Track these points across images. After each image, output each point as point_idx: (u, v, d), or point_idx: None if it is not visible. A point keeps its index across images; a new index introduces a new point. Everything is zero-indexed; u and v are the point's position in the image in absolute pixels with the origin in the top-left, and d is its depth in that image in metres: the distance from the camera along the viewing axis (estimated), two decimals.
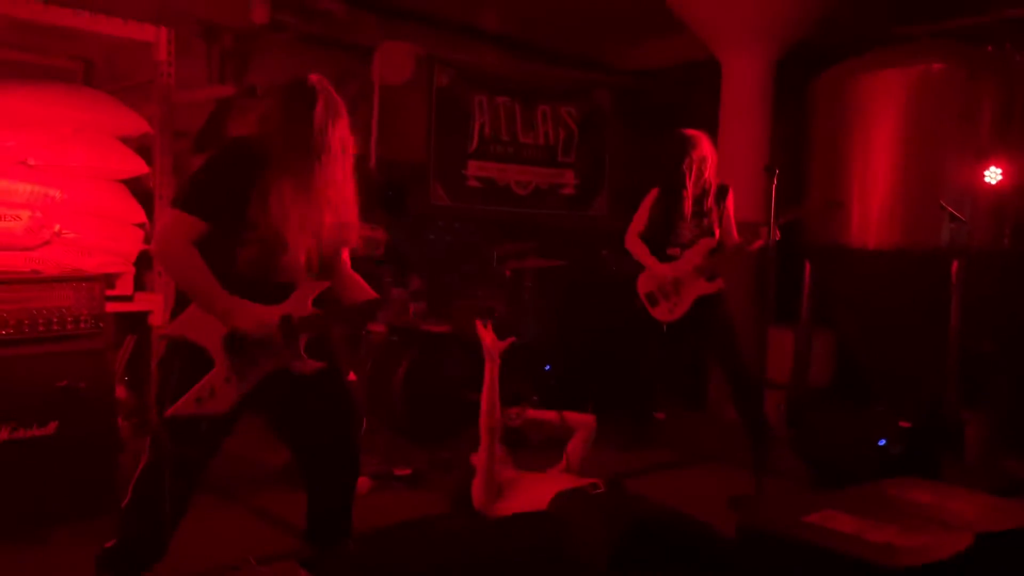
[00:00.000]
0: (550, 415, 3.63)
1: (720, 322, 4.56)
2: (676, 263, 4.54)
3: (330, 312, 2.64)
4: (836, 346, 5.61)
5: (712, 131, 5.79)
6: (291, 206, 2.43)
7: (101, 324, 3.48)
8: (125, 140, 4.06)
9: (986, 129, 4.99)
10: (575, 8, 6.76)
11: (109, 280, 3.74)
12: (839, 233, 5.35)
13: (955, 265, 4.49)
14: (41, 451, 3.25)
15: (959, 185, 4.93)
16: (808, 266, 5.40)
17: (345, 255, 2.75)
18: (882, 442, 4.01)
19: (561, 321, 6.10)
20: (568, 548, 2.83)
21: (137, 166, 4.04)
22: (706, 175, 4.49)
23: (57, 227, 3.76)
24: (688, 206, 4.51)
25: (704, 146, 4.50)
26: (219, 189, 2.44)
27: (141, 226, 4.05)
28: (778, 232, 4.02)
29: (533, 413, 3.66)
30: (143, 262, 4.14)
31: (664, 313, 4.58)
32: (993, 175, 4.76)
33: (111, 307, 3.63)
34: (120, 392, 3.98)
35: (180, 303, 2.49)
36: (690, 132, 4.54)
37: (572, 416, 3.58)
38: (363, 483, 3.94)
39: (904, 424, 4.03)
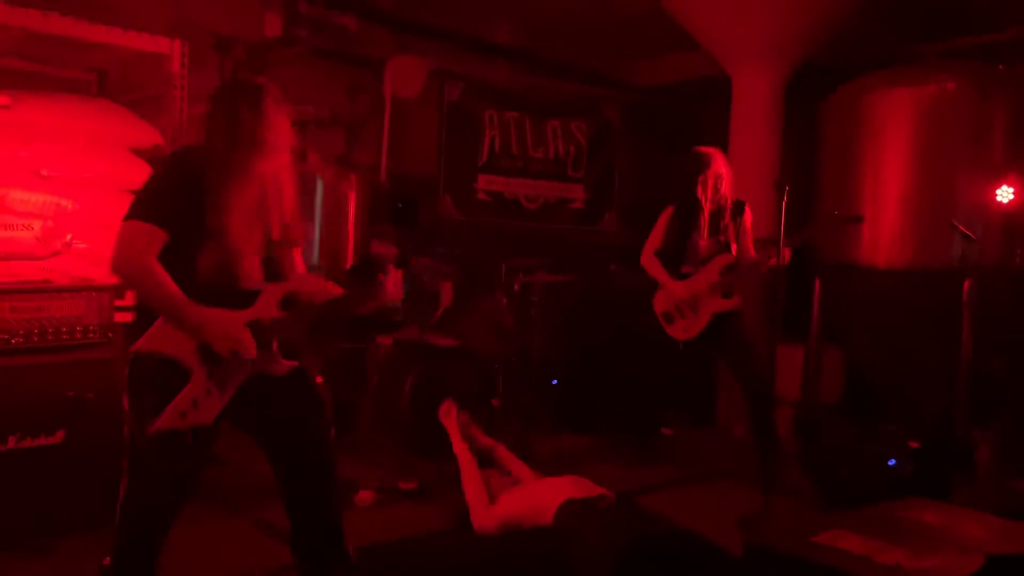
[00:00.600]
0: (488, 441, 3.72)
1: (738, 338, 4.51)
2: (691, 281, 4.50)
3: (298, 313, 2.61)
4: (846, 364, 5.58)
5: (722, 147, 5.79)
6: (237, 208, 2.42)
7: (110, 334, 3.49)
8: (137, 151, 4.08)
9: (998, 147, 4.98)
10: (586, 23, 6.79)
11: (119, 290, 3.75)
12: (850, 251, 5.33)
13: (966, 284, 4.47)
14: (48, 460, 3.26)
15: (971, 204, 4.91)
16: (818, 283, 5.38)
17: (299, 262, 2.74)
18: (892, 462, 3.98)
19: (569, 336, 6.09)
20: (573, 563, 2.82)
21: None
22: (722, 192, 4.47)
23: (68, 237, 3.78)
24: (704, 223, 4.50)
25: (719, 163, 4.48)
26: (171, 196, 2.40)
27: None
28: (789, 253, 4.00)
29: (475, 431, 3.74)
30: None
31: (679, 331, 4.54)
32: (1005, 194, 4.74)
33: (120, 317, 3.64)
34: (127, 403, 3.98)
35: (145, 318, 2.43)
36: (705, 149, 4.53)
37: (504, 455, 3.66)
38: (368, 496, 3.95)
39: (914, 443, 4.00)
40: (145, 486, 2.45)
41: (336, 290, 2.70)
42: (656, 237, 4.64)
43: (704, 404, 5.98)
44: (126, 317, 3.86)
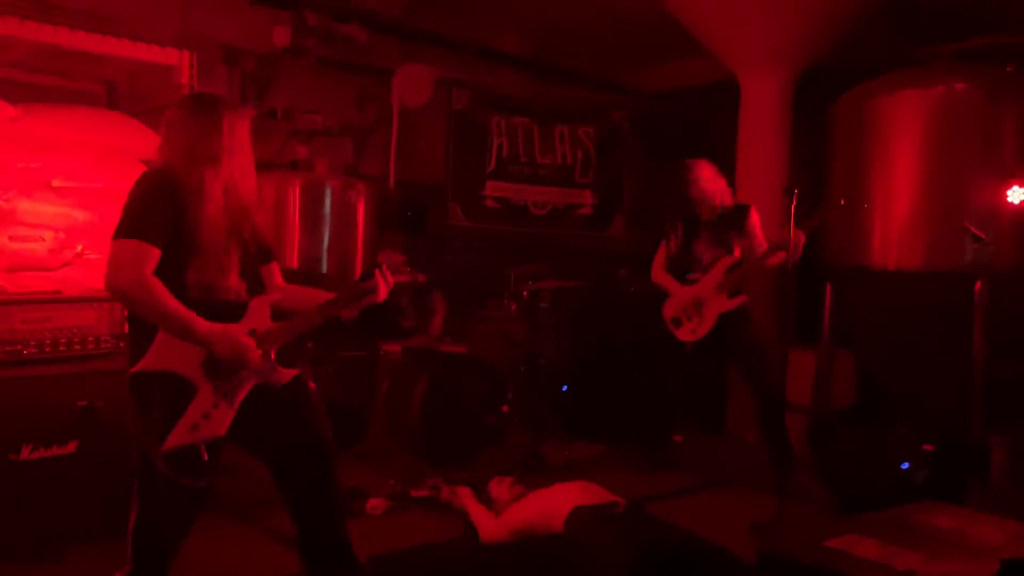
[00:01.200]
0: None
1: (745, 340, 4.56)
2: (696, 285, 4.60)
3: (289, 322, 2.63)
4: (858, 368, 5.54)
5: (730, 152, 5.79)
6: (210, 222, 2.43)
7: (122, 344, 3.50)
8: (147, 162, 4.10)
9: (1009, 148, 4.95)
10: (593, 30, 6.80)
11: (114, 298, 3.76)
12: (860, 254, 5.30)
13: (978, 286, 4.44)
14: (61, 470, 3.27)
15: (982, 205, 4.87)
16: (829, 287, 5.35)
17: (276, 272, 2.76)
18: (905, 466, 3.95)
19: (579, 342, 6.07)
20: (585, 570, 2.81)
21: None
22: (709, 198, 4.55)
23: (79, 248, 3.80)
24: (704, 230, 4.60)
25: (700, 172, 4.57)
26: (154, 214, 2.39)
27: None
28: (804, 237, 4.02)
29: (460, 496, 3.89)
30: None
31: (687, 334, 4.61)
32: (1016, 195, 4.70)
33: None
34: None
35: (137, 336, 2.42)
36: (687, 161, 4.64)
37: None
38: (380, 504, 3.94)
39: (928, 448, 3.97)
40: (158, 504, 2.45)
41: (323, 295, 2.72)
42: (661, 253, 4.80)
43: (715, 410, 5.95)
44: None
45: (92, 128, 3.92)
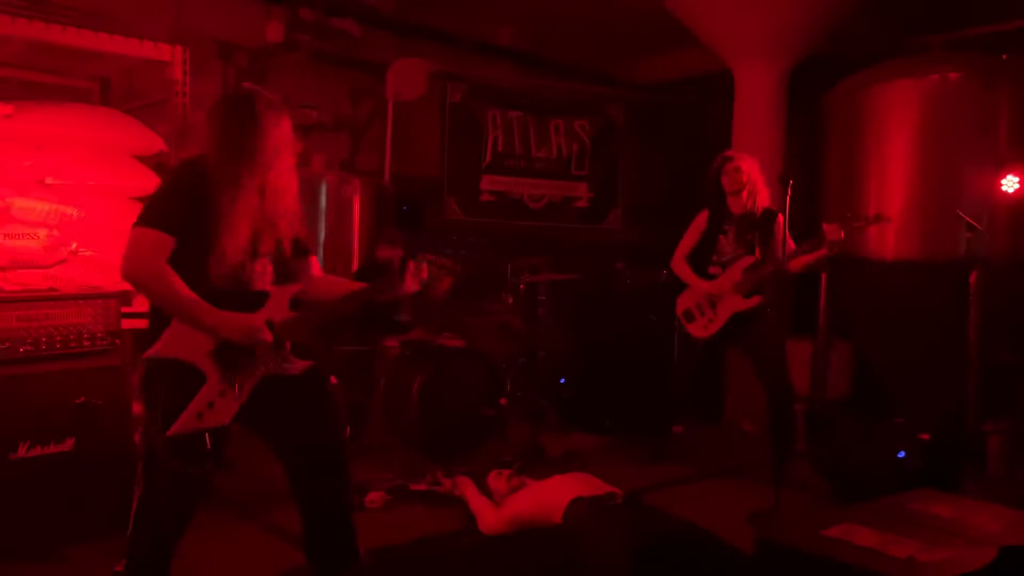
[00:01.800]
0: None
1: (761, 338, 4.44)
2: (715, 281, 4.50)
3: (309, 313, 2.64)
4: (854, 358, 5.56)
5: (726, 143, 5.79)
6: (241, 215, 2.45)
7: (118, 341, 3.50)
8: (141, 158, 4.09)
9: (1003, 138, 4.95)
10: (587, 23, 6.79)
11: (125, 297, 3.75)
12: (856, 244, 5.31)
13: (973, 275, 4.45)
14: (58, 468, 3.26)
15: (976, 195, 4.89)
16: (824, 278, 5.36)
17: (314, 264, 2.77)
18: (902, 454, 3.97)
19: (576, 334, 6.08)
20: (584, 562, 2.81)
21: (153, 184, 4.07)
22: (745, 194, 4.43)
23: (74, 245, 3.80)
24: (731, 226, 4.49)
25: (740, 165, 4.45)
26: (177, 204, 2.45)
27: None
28: (843, 233, 4.01)
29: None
30: None
31: (699, 329, 4.55)
32: (1010, 184, 4.72)
33: (127, 324, 3.64)
34: (137, 409, 3.99)
35: (155, 323, 2.46)
36: (727, 153, 4.55)
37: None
38: (378, 498, 3.94)
39: (924, 436, 3.98)
40: (161, 491, 2.46)
41: (354, 285, 2.73)
42: (686, 242, 4.66)
43: (713, 401, 5.96)
44: (133, 324, 3.87)
45: (86, 125, 3.90)
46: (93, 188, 3.87)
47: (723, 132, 5.98)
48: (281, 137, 2.56)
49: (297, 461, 2.67)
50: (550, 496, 3.23)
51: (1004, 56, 5.09)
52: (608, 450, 5.11)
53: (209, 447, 2.44)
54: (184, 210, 2.43)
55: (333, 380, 2.72)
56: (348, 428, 2.75)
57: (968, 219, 4.49)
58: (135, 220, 2.44)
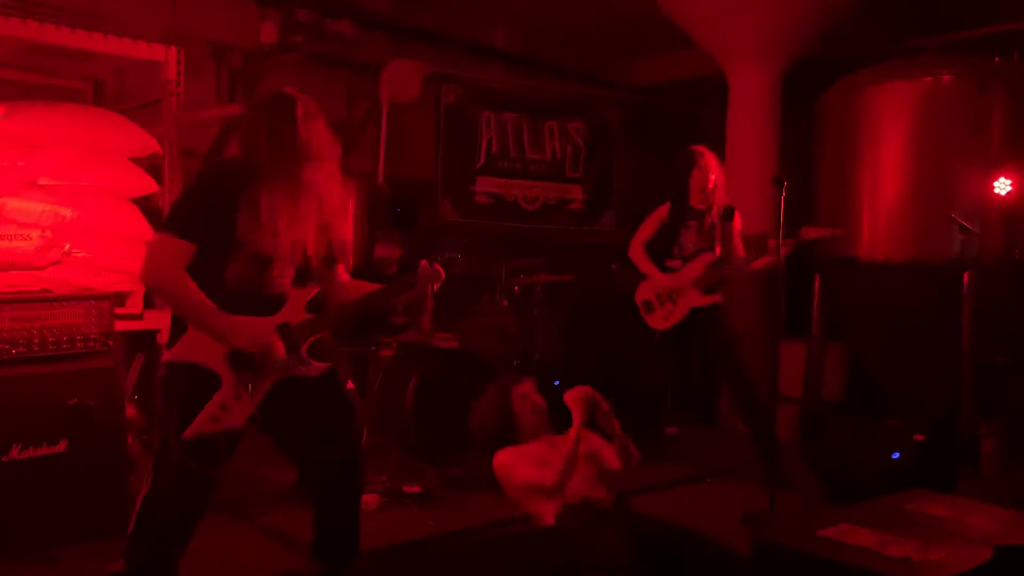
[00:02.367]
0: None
1: (717, 336, 4.59)
2: (675, 274, 4.60)
3: (326, 314, 2.64)
4: (849, 359, 5.57)
5: (720, 144, 5.80)
6: (279, 218, 2.45)
7: (111, 342, 3.48)
8: (135, 159, 4.08)
9: (996, 140, 4.97)
10: (581, 25, 6.80)
11: (119, 298, 3.74)
12: (849, 245, 5.32)
13: (966, 277, 4.46)
14: (51, 470, 3.25)
15: (969, 196, 4.90)
16: (818, 279, 5.37)
17: (341, 271, 2.76)
18: (896, 455, 3.97)
19: (571, 336, 6.08)
20: (581, 568, 2.80)
21: (147, 185, 4.06)
22: (710, 190, 4.53)
23: (67, 246, 3.78)
24: (692, 220, 4.58)
25: (709, 161, 4.55)
26: (205, 210, 2.47)
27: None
28: (786, 248, 4.03)
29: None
30: None
31: (658, 321, 4.64)
32: (1003, 186, 4.73)
33: (120, 325, 3.63)
34: (130, 411, 3.98)
35: (177, 326, 2.50)
36: (697, 148, 4.59)
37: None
38: (372, 500, 3.93)
39: (919, 437, 3.99)
40: (168, 491, 2.49)
41: (371, 286, 2.73)
42: (644, 230, 4.73)
43: (707, 402, 5.97)
44: (126, 325, 3.86)
45: (79, 126, 3.89)
46: (87, 189, 3.85)
47: (717, 134, 5.99)
48: (322, 139, 2.56)
49: (310, 462, 2.69)
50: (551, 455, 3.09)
51: (997, 59, 5.11)
52: None
53: (222, 449, 2.47)
54: (208, 215, 2.45)
55: (350, 385, 2.72)
56: (365, 432, 2.75)
57: (961, 221, 4.51)
58: (164, 222, 2.50)
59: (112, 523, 3.19)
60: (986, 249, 4.82)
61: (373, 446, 4.65)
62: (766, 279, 5.27)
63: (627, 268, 4.93)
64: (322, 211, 2.57)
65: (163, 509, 2.50)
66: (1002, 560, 2.18)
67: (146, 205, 4.14)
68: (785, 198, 3.82)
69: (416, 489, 4.09)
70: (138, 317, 4.05)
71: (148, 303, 4.13)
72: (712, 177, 4.52)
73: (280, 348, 2.49)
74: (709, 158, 4.56)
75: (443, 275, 2.66)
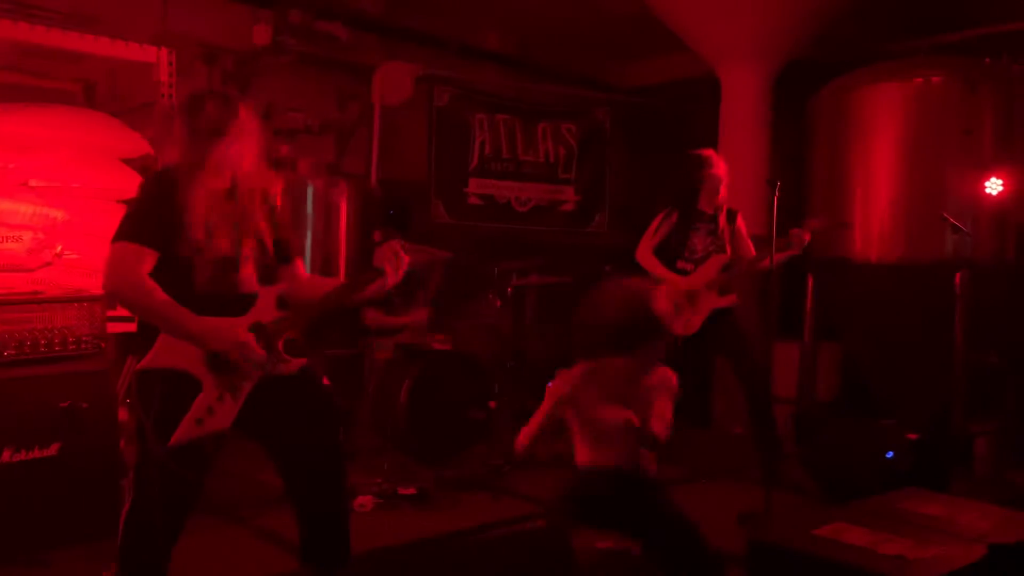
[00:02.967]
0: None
1: (736, 336, 4.58)
2: (691, 277, 4.58)
3: (297, 311, 2.63)
4: (842, 360, 5.58)
5: (712, 146, 5.81)
6: (216, 219, 2.45)
7: (103, 344, 3.47)
8: (126, 161, 4.06)
9: (986, 140, 5.00)
10: (573, 26, 6.80)
11: (111, 300, 3.72)
12: (842, 246, 5.34)
13: (958, 277, 4.48)
14: (43, 473, 3.23)
15: (961, 197, 4.93)
16: (811, 280, 5.39)
17: (300, 265, 2.77)
18: (890, 455, 3.98)
19: (564, 337, 6.06)
20: (572, 566, 2.80)
21: (138, 187, 4.04)
22: (720, 194, 4.58)
23: (59, 248, 3.76)
24: (703, 224, 4.61)
25: (720, 166, 4.61)
26: (153, 216, 2.44)
27: None
28: (808, 236, 4.18)
29: None
30: None
31: (679, 327, 4.59)
32: (994, 186, 4.75)
33: (113, 327, 3.62)
34: (123, 414, 3.97)
35: (145, 334, 2.45)
36: (707, 152, 4.66)
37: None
38: (367, 501, 3.92)
39: (912, 437, 4.00)
40: (153, 501, 2.44)
41: (337, 282, 2.73)
42: (655, 234, 4.70)
43: (701, 403, 5.97)
44: (118, 327, 3.84)
45: (70, 127, 3.87)
46: (78, 191, 3.83)
47: (709, 135, 6.00)
48: (245, 137, 2.55)
49: (293, 462, 2.67)
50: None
51: (987, 60, 5.14)
52: None
53: (209, 452, 2.44)
54: (159, 222, 2.42)
55: (326, 381, 2.72)
56: (342, 428, 2.74)
57: (953, 221, 4.52)
58: (114, 234, 2.44)
59: (104, 526, 3.16)
60: (978, 249, 4.85)
61: (367, 448, 4.66)
62: (759, 280, 5.28)
63: (620, 270, 4.92)
64: (258, 207, 2.57)
65: (150, 520, 2.44)
66: (996, 558, 2.19)
67: None
68: (778, 199, 3.83)
69: (411, 491, 4.09)
70: (130, 319, 4.02)
71: None
72: (720, 181, 4.57)
73: (257, 347, 2.47)
74: (719, 162, 4.61)
75: (405, 258, 2.65)
